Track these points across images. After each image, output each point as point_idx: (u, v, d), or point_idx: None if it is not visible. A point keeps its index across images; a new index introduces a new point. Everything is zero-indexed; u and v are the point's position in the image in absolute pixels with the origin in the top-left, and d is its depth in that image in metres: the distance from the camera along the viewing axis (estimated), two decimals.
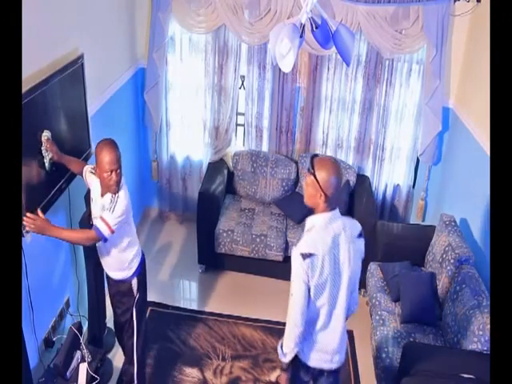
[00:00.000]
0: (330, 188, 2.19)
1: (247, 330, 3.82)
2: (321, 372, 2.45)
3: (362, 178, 4.52)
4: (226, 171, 4.60)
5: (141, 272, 2.94)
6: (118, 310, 2.99)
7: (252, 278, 4.30)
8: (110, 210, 2.59)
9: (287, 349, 2.33)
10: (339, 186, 2.23)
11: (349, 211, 4.19)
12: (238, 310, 4.00)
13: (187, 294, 4.36)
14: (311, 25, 2.40)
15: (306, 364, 2.43)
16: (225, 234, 4.15)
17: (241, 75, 4.50)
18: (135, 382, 3.07)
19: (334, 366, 2.44)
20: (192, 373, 3.45)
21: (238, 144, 4.84)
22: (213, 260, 4.32)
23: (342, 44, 2.38)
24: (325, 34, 2.41)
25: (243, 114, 4.62)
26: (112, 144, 2.62)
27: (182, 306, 4.04)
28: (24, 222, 2.44)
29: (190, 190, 4.90)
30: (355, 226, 2.35)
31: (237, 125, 4.76)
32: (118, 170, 2.60)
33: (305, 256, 2.18)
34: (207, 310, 4.02)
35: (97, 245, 2.82)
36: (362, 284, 3.82)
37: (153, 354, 3.48)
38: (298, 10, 3.86)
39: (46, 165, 2.72)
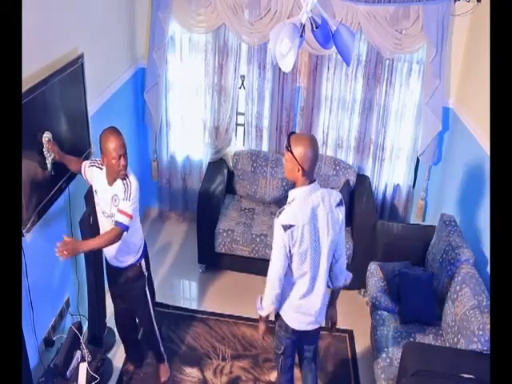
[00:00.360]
0: (306, 162, 2.33)
1: (247, 330, 3.82)
2: (306, 331, 2.70)
3: (361, 178, 4.52)
4: (225, 171, 4.59)
5: (146, 252, 3.06)
6: (129, 298, 3.06)
7: (252, 278, 4.29)
8: (126, 199, 2.65)
9: (265, 304, 2.60)
10: (315, 159, 2.38)
11: (349, 211, 4.19)
12: (238, 309, 4.00)
13: (187, 294, 4.36)
14: (311, 24, 2.41)
15: (292, 328, 2.66)
16: (225, 234, 4.15)
17: (241, 75, 4.49)
18: (163, 353, 3.32)
19: (316, 326, 2.70)
20: (192, 372, 3.45)
21: (238, 144, 4.84)
22: (213, 260, 4.32)
23: (342, 44, 2.39)
24: (325, 34, 2.42)
25: (243, 114, 4.62)
26: (116, 130, 2.68)
27: (182, 305, 4.05)
28: (56, 254, 2.44)
29: (190, 189, 4.90)
30: (334, 195, 2.48)
31: (237, 125, 4.76)
32: (125, 155, 2.67)
33: (285, 227, 2.35)
34: (207, 309, 4.02)
35: None
36: (362, 284, 3.85)
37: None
38: (298, 9, 3.86)
39: (48, 166, 2.74)
